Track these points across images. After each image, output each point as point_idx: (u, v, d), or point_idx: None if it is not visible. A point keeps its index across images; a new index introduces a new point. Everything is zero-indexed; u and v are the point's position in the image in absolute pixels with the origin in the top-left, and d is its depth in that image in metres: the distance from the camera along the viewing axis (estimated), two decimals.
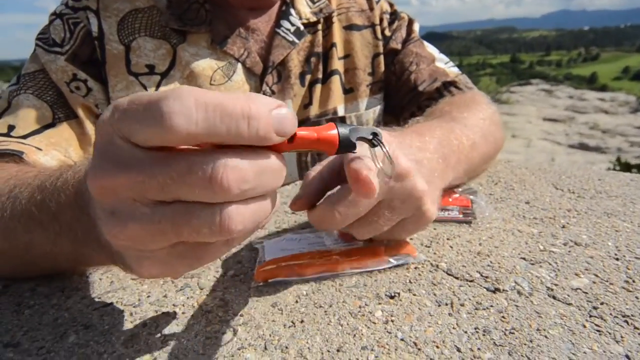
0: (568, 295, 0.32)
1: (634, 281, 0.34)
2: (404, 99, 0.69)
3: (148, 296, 0.35)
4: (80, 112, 0.54)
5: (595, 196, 0.50)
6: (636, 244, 0.39)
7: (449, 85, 0.67)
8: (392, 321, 0.31)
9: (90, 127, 0.55)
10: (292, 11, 0.66)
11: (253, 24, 0.64)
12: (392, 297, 0.33)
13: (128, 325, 0.32)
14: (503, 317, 0.30)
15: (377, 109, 0.71)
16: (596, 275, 0.35)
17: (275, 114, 0.21)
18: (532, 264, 0.37)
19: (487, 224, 0.44)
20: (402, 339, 0.29)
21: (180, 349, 0.29)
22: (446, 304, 0.32)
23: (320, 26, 0.67)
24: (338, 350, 0.28)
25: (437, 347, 0.28)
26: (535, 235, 0.42)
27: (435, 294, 0.33)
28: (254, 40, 0.64)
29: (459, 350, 0.28)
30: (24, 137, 0.51)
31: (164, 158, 0.21)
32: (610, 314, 0.30)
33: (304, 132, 0.24)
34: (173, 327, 0.31)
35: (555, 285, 0.34)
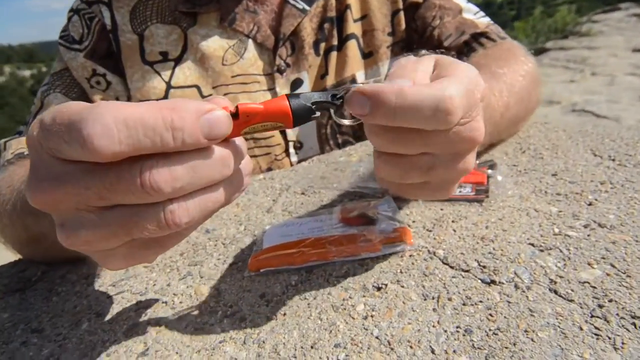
0: (572, 290, 0.29)
1: None
2: None
3: (154, 284, 0.38)
4: None
5: None
6: None
7: (478, 37, 0.60)
8: (372, 316, 0.30)
9: None
10: None
11: None
12: (378, 289, 0.32)
13: (131, 314, 0.34)
14: (490, 314, 0.28)
15: None
16: (612, 266, 0.30)
17: (204, 119, 0.21)
18: (541, 251, 0.33)
19: (500, 202, 0.41)
20: (377, 337, 0.28)
21: (170, 340, 0.31)
22: (432, 298, 0.30)
23: None
24: (312, 347, 0.28)
25: (411, 347, 0.27)
26: (553, 216, 0.37)
27: (424, 286, 0.32)
28: (264, 12, 0.61)
29: (433, 352, 0.26)
30: None
31: (95, 169, 0.21)
32: (617, 314, 0.26)
33: (251, 106, 0.23)
34: (169, 317, 0.33)
35: (560, 277, 0.30)
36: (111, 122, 0.19)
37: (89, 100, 0.57)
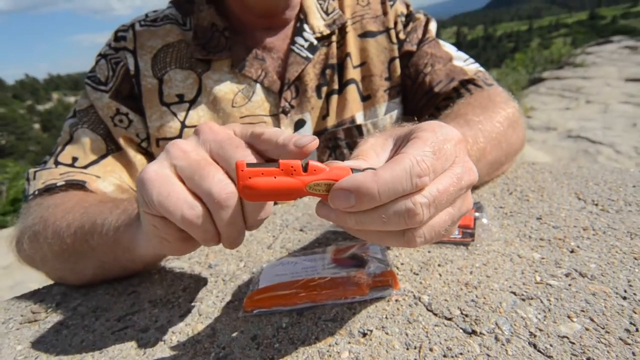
0: (550, 345, 0.27)
1: (637, 330, 0.27)
2: (420, 102, 0.64)
3: (156, 321, 0.37)
4: (122, 143, 0.58)
5: (622, 209, 0.42)
6: None
7: (466, 84, 0.59)
8: None
9: (132, 155, 0.59)
10: (306, 27, 0.63)
11: (270, 43, 0.62)
12: (364, 335, 0.31)
13: (131, 352, 0.34)
14: None
15: (394, 113, 0.66)
16: (592, 320, 0.29)
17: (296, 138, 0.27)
18: (523, 300, 0.32)
19: (485, 246, 0.39)
20: None
21: None
22: (415, 348, 0.29)
23: (334, 37, 0.64)
24: None
25: None
26: (536, 263, 0.36)
27: (407, 334, 0.31)
28: (271, 59, 0.62)
29: None
30: (85, 167, 0.56)
31: None
32: None
33: (318, 164, 0.24)
34: (165, 357, 0.33)
35: (540, 330, 0.29)
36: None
37: (113, 136, 0.58)
